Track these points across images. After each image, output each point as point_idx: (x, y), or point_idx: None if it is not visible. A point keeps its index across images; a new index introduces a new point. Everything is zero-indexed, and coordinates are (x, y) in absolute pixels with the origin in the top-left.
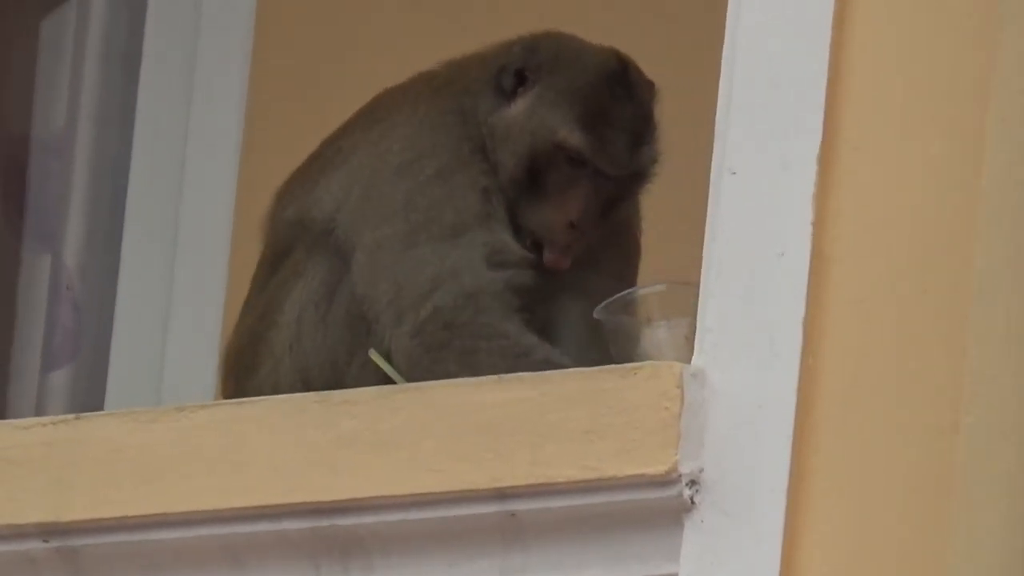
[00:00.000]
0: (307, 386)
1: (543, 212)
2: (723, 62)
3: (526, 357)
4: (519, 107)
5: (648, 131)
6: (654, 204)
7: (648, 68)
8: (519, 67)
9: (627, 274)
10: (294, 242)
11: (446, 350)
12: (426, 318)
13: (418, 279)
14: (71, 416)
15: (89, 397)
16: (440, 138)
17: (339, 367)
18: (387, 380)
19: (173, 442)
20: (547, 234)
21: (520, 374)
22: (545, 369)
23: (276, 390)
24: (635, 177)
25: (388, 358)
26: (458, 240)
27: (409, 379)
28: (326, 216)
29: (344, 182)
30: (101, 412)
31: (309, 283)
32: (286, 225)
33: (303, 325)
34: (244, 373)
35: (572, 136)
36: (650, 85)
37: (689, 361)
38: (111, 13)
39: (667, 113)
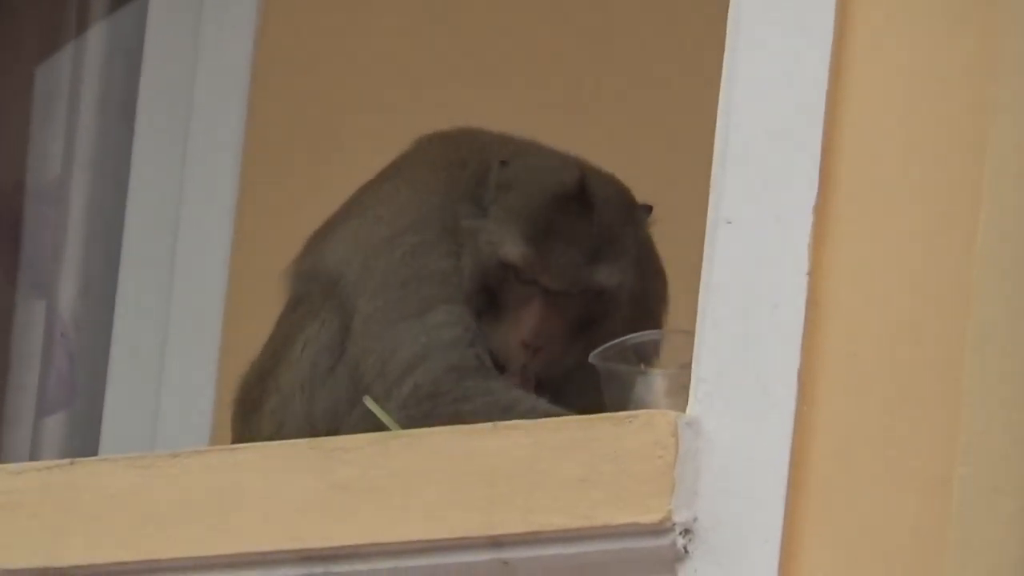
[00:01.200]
0: (311, 428)
1: (499, 332)
2: (720, 112)
3: (511, 410)
4: (483, 223)
5: (608, 248)
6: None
7: (645, 115)
8: (493, 184)
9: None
10: (312, 287)
11: (431, 419)
12: (409, 393)
13: (399, 356)
14: (66, 461)
15: (84, 443)
16: (424, 215)
17: (340, 416)
18: (383, 429)
19: (168, 488)
20: (503, 354)
21: (515, 421)
22: (532, 418)
23: (281, 427)
24: (600, 295)
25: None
26: (430, 316)
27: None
28: (337, 270)
29: (351, 240)
30: (96, 457)
31: (325, 328)
32: (305, 273)
33: (317, 369)
34: (251, 407)
35: (513, 251)
36: (624, 204)
37: (684, 410)
38: (107, 60)
39: (663, 159)
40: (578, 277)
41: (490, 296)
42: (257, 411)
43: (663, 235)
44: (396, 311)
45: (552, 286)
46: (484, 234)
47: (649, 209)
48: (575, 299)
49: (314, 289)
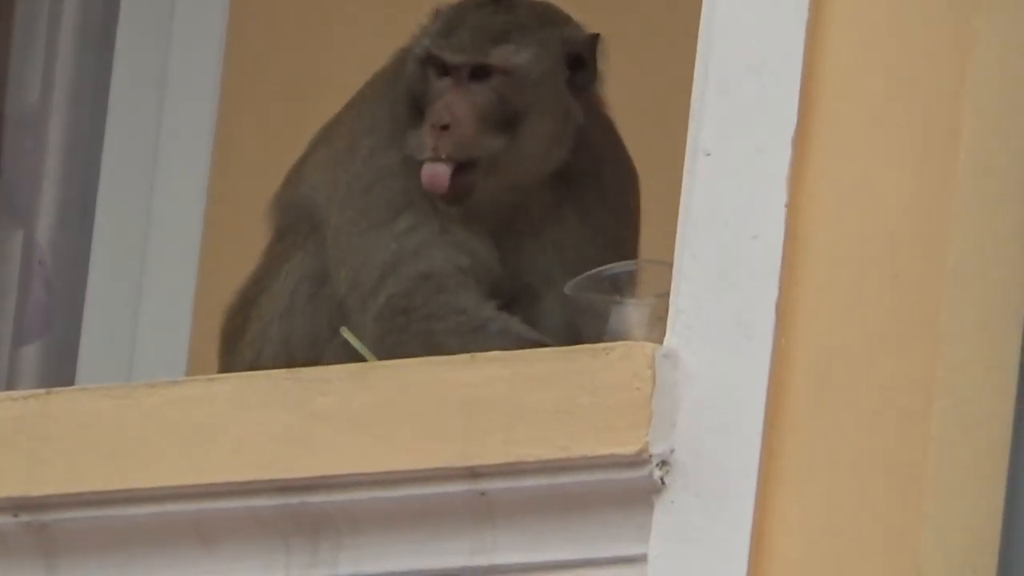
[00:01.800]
0: (289, 356)
1: (419, 133)
2: (699, 45)
3: (483, 330)
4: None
5: (516, 34)
6: None
7: (624, 50)
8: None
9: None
10: (292, 218)
11: (405, 334)
12: (383, 304)
13: (370, 266)
14: (42, 391)
15: (60, 372)
16: (377, 117)
17: (320, 343)
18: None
19: (144, 418)
20: (420, 151)
21: (493, 353)
22: (503, 340)
23: (260, 355)
24: (508, 80)
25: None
26: (396, 223)
27: (378, 359)
28: (312, 197)
29: (320, 166)
30: (72, 387)
31: (308, 256)
32: (284, 206)
33: (296, 297)
34: (234, 335)
35: (424, 42)
36: (552, 16)
37: (659, 340)
38: None
39: (643, 94)
40: (476, 49)
41: (417, 109)
42: (239, 339)
43: (642, 166)
44: (364, 219)
45: (452, 59)
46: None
47: (595, 37)
48: (483, 84)
49: (295, 220)
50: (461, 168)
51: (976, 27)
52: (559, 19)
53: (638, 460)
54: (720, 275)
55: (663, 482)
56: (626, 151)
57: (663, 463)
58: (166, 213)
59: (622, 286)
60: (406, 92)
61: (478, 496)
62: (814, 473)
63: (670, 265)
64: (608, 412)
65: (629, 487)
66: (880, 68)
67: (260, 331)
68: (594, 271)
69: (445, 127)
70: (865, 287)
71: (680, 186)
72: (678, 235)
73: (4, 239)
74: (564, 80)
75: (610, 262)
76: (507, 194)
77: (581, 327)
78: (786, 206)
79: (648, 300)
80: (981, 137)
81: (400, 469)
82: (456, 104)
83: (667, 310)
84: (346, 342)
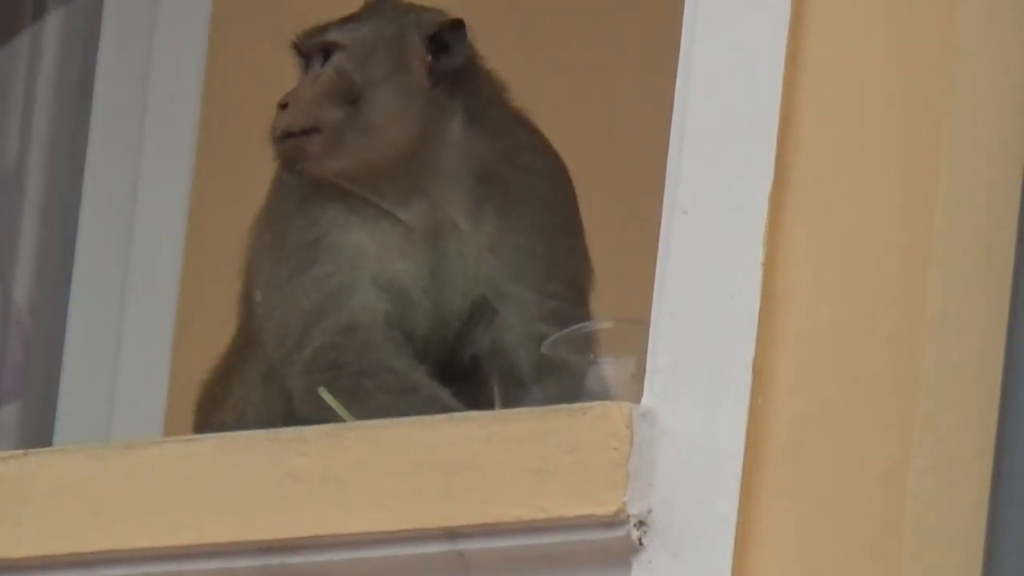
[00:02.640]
0: (270, 420)
1: None
2: (676, 101)
3: (415, 392)
4: None
5: (362, 16)
6: (605, 241)
7: (601, 103)
8: None
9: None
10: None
11: (334, 387)
12: (309, 358)
13: (292, 319)
14: (20, 452)
15: (38, 433)
16: (274, 183)
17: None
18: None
19: (123, 479)
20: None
21: (470, 412)
22: (432, 406)
23: (241, 419)
24: (343, 50)
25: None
26: (319, 266)
27: (302, 414)
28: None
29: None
30: (50, 448)
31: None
32: (249, 296)
33: (253, 382)
34: (213, 403)
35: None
36: (405, 7)
37: (636, 399)
38: (63, 45)
39: (620, 149)
40: (321, 31)
41: None
42: (219, 406)
43: (619, 223)
44: (284, 269)
45: (302, 44)
46: None
47: (457, 20)
48: (327, 64)
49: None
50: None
51: (953, 80)
52: (422, 9)
53: (616, 520)
54: (697, 334)
55: (641, 542)
56: (546, 141)
57: (641, 523)
58: (144, 272)
59: (599, 344)
60: None
61: (456, 557)
62: (792, 531)
63: (647, 324)
64: (586, 472)
65: (607, 547)
66: (856, 125)
67: (242, 396)
68: (570, 329)
69: (284, 106)
70: (842, 345)
71: (656, 244)
72: (655, 293)
73: None
74: (422, 61)
75: (546, 253)
76: (425, 205)
77: (557, 386)
78: (762, 264)
79: (625, 359)
80: (957, 192)
81: (378, 530)
82: (301, 86)
83: (643, 369)
84: (311, 404)
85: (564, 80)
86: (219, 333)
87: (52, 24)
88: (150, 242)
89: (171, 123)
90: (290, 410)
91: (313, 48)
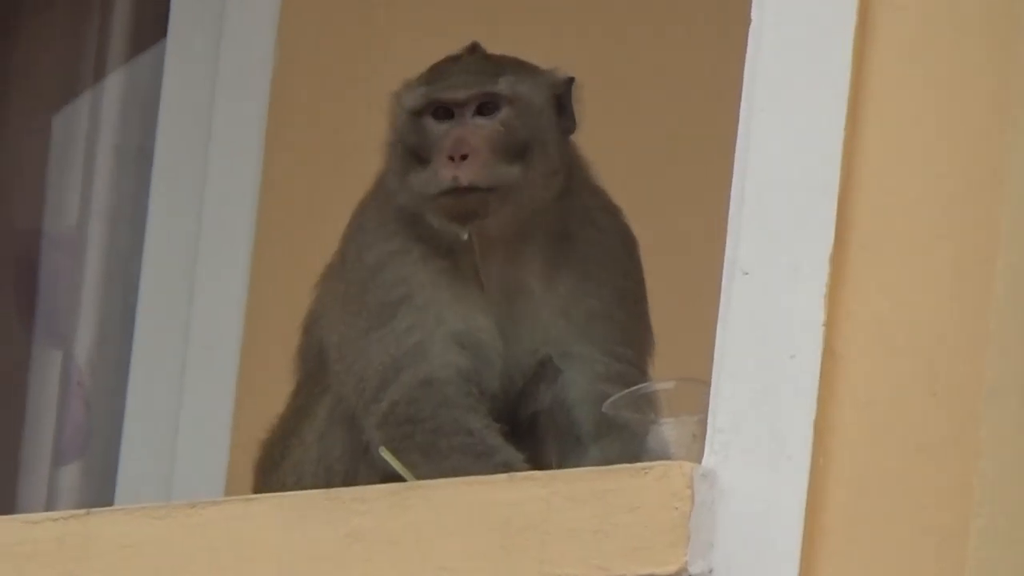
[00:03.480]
0: (328, 478)
1: (428, 171)
2: (736, 161)
3: (488, 458)
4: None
5: (508, 67)
6: (667, 302)
7: (663, 164)
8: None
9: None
10: (320, 364)
11: (409, 442)
12: (387, 411)
13: (371, 372)
14: (81, 511)
15: (99, 492)
16: (362, 224)
17: (356, 462)
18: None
19: (184, 538)
20: (434, 183)
21: (531, 472)
22: (503, 472)
23: (300, 479)
24: (512, 108)
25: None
26: (392, 324)
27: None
28: (326, 337)
29: (325, 301)
30: (111, 507)
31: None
32: (306, 355)
33: (334, 417)
34: (272, 464)
35: (414, 92)
36: (528, 63)
37: (696, 460)
38: (123, 108)
39: (681, 211)
40: (481, 82)
41: (419, 158)
42: (279, 466)
43: (680, 285)
44: (363, 321)
45: (457, 96)
46: (394, 122)
47: (570, 80)
48: (489, 118)
49: (319, 364)
50: (487, 193)
51: (1012, 141)
52: (538, 66)
53: None
54: (758, 394)
55: None
56: (616, 206)
57: None
58: (204, 331)
59: (660, 405)
60: (398, 147)
61: None
62: None
63: (707, 384)
64: (646, 531)
65: None
66: (915, 185)
67: (301, 456)
68: (630, 390)
69: (464, 157)
70: (902, 405)
71: (718, 305)
72: (716, 353)
73: (43, 359)
74: (556, 120)
75: (616, 316)
76: (505, 263)
77: (619, 445)
78: (823, 325)
79: (685, 419)
80: (1019, 251)
81: None
82: (469, 136)
83: (704, 429)
84: (382, 460)
85: (626, 140)
86: (280, 391)
87: (112, 87)
88: (210, 303)
89: (231, 184)
90: (369, 459)
91: (470, 99)
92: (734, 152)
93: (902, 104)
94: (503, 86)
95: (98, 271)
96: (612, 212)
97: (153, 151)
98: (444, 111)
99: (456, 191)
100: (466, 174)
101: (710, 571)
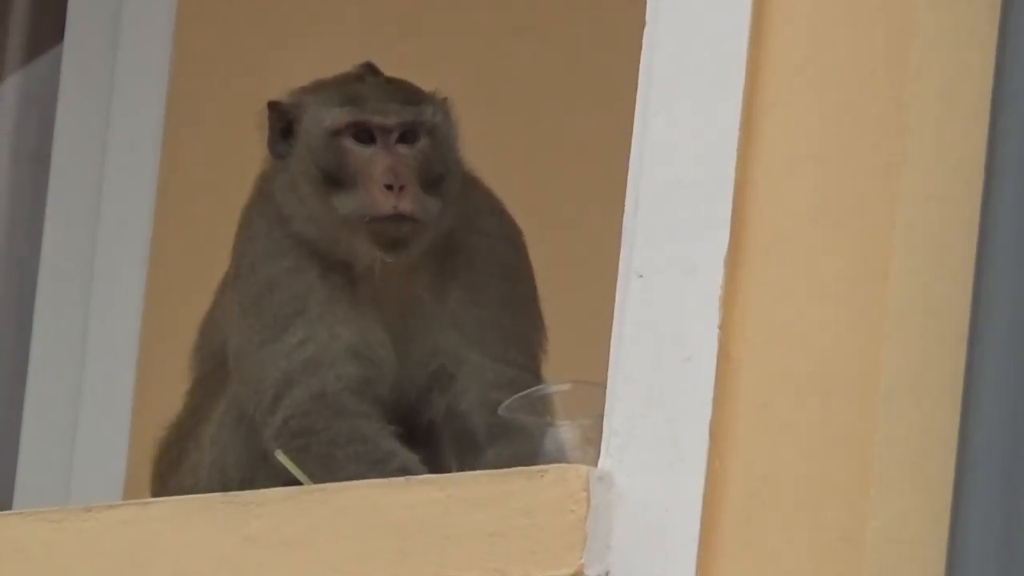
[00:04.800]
0: (225, 481)
1: (357, 195)
2: (631, 162)
3: (384, 464)
4: (294, 147)
5: (417, 93)
6: (563, 304)
7: (556, 165)
8: (282, 125)
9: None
10: (217, 366)
11: (306, 454)
12: (281, 425)
13: (265, 386)
14: None
15: None
16: (252, 235)
17: (254, 466)
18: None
19: (80, 542)
20: (370, 210)
21: (427, 476)
22: (402, 476)
23: (198, 482)
24: (432, 137)
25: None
26: (286, 337)
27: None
28: (224, 340)
29: (224, 307)
30: (9, 512)
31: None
32: (203, 357)
33: (226, 419)
34: (170, 466)
35: (336, 113)
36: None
37: (592, 463)
38: (20, 113)
39: (577, 213)
40: (402, 108)
41: (333, 181)
42: (175, 470)
43: (575, 287)
44: (257, 335)
45: (384, 121)
46: (305, 137)
47: (446, 100)
48: (410, 147)
49: (216, 365)
50: (416, 224)
51: (907, 149)
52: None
53: None
54: (653, 397)
55: None
56: (501, 203)
57: None
58: (102, 336)
59: (555, 407)
60: (309, 167)
61: None
62: None
63: (603, 386)
64: (543, 534)
65: None
66: (811, 187)
67: (197, 459)
68: (526, 392)
69: (401, 188)
70: (798, 408)
71: (612, 307)
72: (611, 356)
73: None
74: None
75: (505, 322)
76: (396, 276)
77: (514, 448)
78: (719, 327)
79: (581, 422)
80: (912, 254)
81: None
82: (399, 165)
83: (600, 432)
84: (280, 466)
85: (519, 143)
86: (179, 395)
87: (9, 92)
88: (108, 307)
89: (128, 188)
90: (267, 468)
91: (397, 126)
92: (629, 153)
93: (796, 106)
94: (425, 115)
95: None
96: (494, 212)
97: (50, 156)
98: (367, 134)
99: (391, 218)
100: (405, 204)
101: (607, 573)
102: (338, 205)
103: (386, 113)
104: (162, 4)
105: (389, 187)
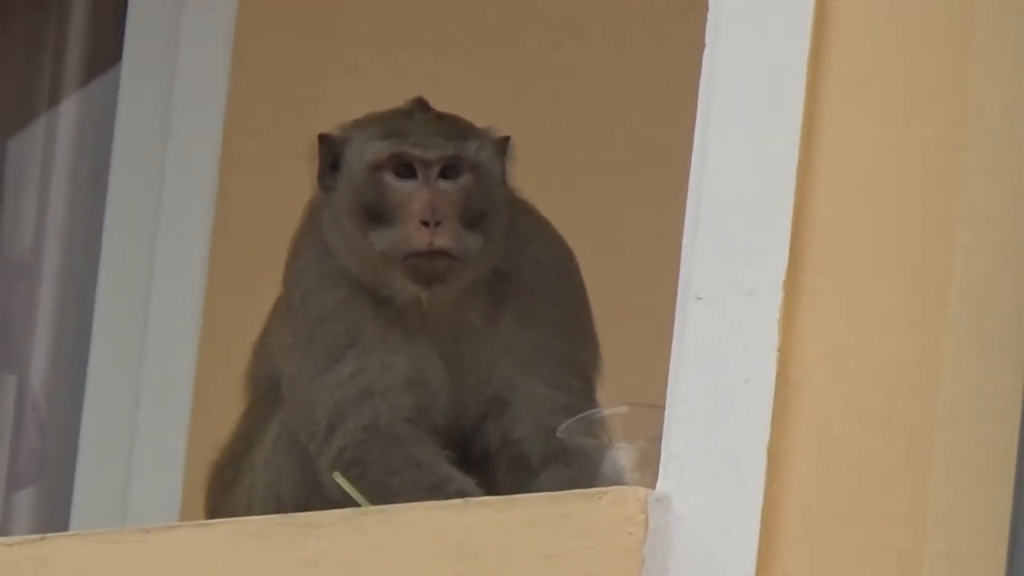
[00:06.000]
0: (279, 505)
1: (395, 230)
2: (690, 185)
3: (440, 489)
4: (340, 180)
5: (466, 130)
6: (621, 326)
7: (615, 188)
8: (330, 158)
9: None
10: (268, 390)
11: (361, 483)
12: (335, 456)
13: (318, 416)
14: (36, 536)
15: (54, 518)
16: (302, 267)
17: (308, 491)
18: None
19: (138, 563)
20: (406, 246)
21: (485, 498)
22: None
23: (251, 506)
24: (476, 174)
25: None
26: (339, 368)
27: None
28: (277, 367)
29: (276, 332)
30: (66, 533)
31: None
32: (256, 380)
33: (279, 444)
34: (223, 488)
35: (378, 147)
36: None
37: (651, 484)
38: (78, 132)
39: (635, 236)
40: (445, 142)
41: (374, 216)
42: (230, 492)
43: (634, 309)
44: (310, 366)
45: (425, 155)
46: (348, 171)
47: (507, 139)
48: (452, 182)
49: (267, 389)
50: (454, 261)
51: (965, 165)
52: (477, 125)
53: None
54: (712, 419)
55: None
56: (553, 230)
57: None
58: (159, 356)
59: (614, 430)
60: (351, 203)
61: None
62: None
63: (661, 408)
64: (600, 556)
65: None
66: (870, 210)
67: (252, 482)
68: (584, 415)
69: (438, 223)
70: (857, 430)
71: (672, 330)
72: (670, 379)
73: None
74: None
75: (559, 349)
76: (448, 306)
77: (572, 471)
78: (777, 349)
79: (640, 444)
80: (972, 277)
81: None
82: (440, 201)
83: (658, 454)
84: (337, 487)
85: (577, 166)
86: (235, 417)
87: (68, 111)
88: (166, 327)
89: (186, 208)
90: (322, 493)
91: (437, 161)
92: (689, 176)
93: (856, 128)
94: (469, 151)
95: (53, 295)
96: (548, 241)
97: (108, 175)
98: (407, 169)
99: (428, 255)
100: (441, 240)
101: None
102: (375, 241)
103: (427, 147)
104: (220, 24)
105: (426, 223)
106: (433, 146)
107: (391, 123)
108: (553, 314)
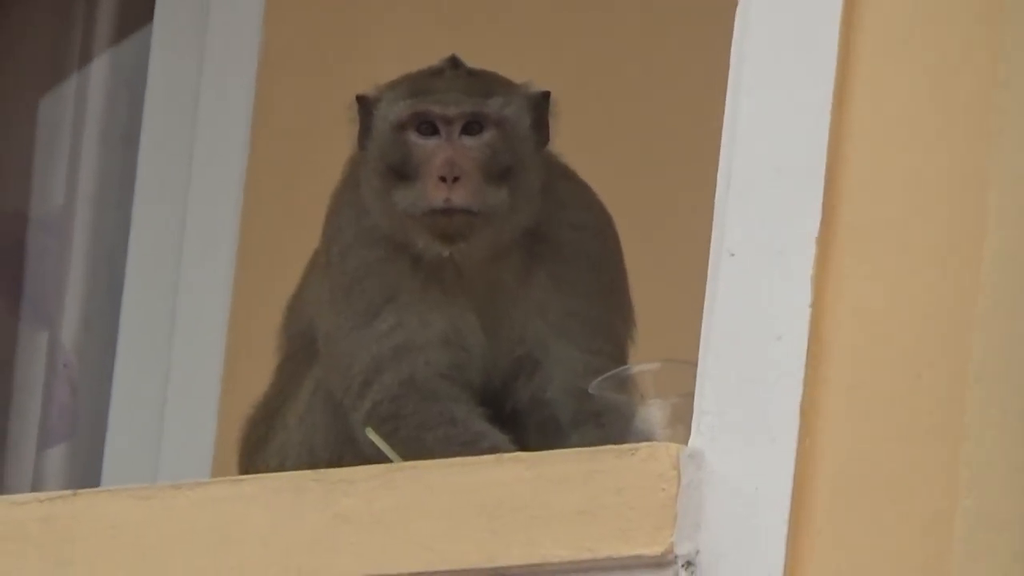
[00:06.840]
0: (312, 461)
1: (415, 189)
2: (723, 143)
3: (473, 445)
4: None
5: (494, 86)
6: (654, 283)
7: (647, 147)
8: (366, 119)
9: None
10: (304, 346)
11: (395, 438)
12: (370, 410)
13: (355, 370)
14: (68, 492)
15: (86, 474)
16: (341, 224)
17: (341, 447)
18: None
19: (170, 519)
20: (423, 202)
21: (518, 453)
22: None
23: (284, 462)
24: (500, 130)
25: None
26: (376, 324)
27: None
28: (313, 321)
29: (312, 287)
30: (98, 489)
31: (320, 370)
32: (291, 336)
33: (314, 402)
34: (257, 444)
35: (402, 106)
36: (504, 78)
37: (683, 440)
38: (110, 91)
39: (668, 192)
40: (470, 101)
41: (398, 174)
42: (263, 448)
43: (667, 266)
44: (347, 321)
45: (446, 112)
46: (376, 127)
47: (547, 95)
48: (476, 138)
49: (303, 345)
50: (475, 217)
51: (998, 126)
52: (514, 81)
53: (663, 561)
54: (744, 375)
55: None
56: (593, 194)
57: (688, 564)
58: (191, 313)
59: (646, 386)
60: (378, 163)
61: None
62: (839, 572)
63: (694, 365)
64: (633, 513)
65: None
66: (902, 168)
67: (285, 439)
68: (615, 371)
69: (456, 179)
70: (889, 387)
71: (704, 286)
72: (702, 335)
73: (29, 341)
74: (533, 136)
75: (592, 312)
76: (483, 264)
77: (604, 427)
78: (810, 307)
79: (672, 400)
80: (1006, 237)
81: (424, 570)
82: (460, 157)
83: (691, 410)
84: (370, 443)
85: (611, 127)
86: (267, 373)
87: (99, 71)
88: (197, 284)
89: (218, 166)
90: (355, 448)
91: (458, 117)
92: (721, 134)
93: (889, 86)
94: (492, 107)
95: (84, 253)
96: (583, 203)
97: (139, 134)
98: (429, 127)
99: (445, 211)
100: (458, 196)
101: (696, 552)
102: (398, 199)
103: (447, 104)
104: None
105: (444, 179)
106: (454, 103)
107: (418, 82)
108: (588, 278)
